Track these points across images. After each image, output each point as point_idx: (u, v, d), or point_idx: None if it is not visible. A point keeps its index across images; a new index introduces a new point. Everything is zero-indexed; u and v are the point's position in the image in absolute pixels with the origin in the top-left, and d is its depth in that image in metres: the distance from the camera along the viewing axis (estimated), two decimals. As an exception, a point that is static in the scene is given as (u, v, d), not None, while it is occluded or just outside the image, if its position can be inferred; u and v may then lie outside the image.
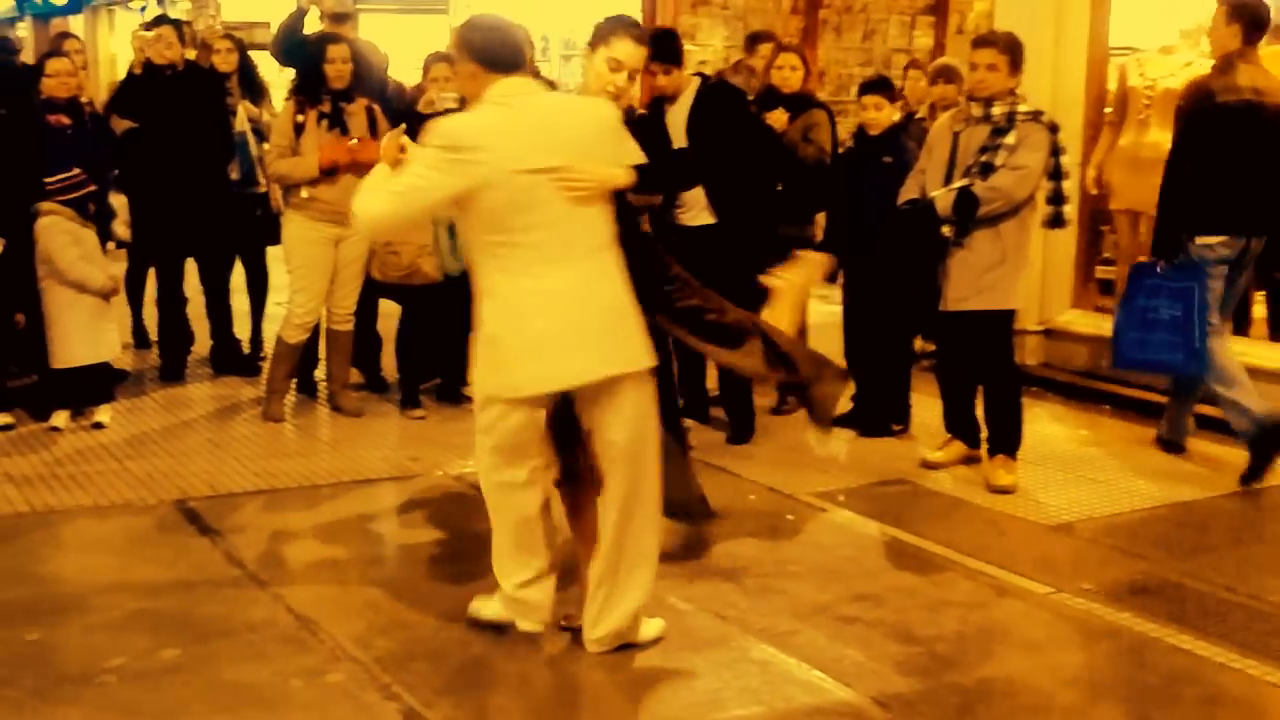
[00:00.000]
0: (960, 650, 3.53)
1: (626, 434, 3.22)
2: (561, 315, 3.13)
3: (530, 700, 3.22)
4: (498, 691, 3.25)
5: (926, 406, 5.66)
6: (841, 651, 3.48)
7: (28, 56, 8.45)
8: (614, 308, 3.21)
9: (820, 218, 5.89)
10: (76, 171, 5.42)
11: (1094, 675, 3.47)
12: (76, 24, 16.00)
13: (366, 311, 5.98)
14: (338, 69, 5.39)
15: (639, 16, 8.88)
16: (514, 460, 3.28)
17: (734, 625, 3.64)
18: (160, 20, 6.79)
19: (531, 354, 3.13)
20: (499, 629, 3.49)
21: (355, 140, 5.39)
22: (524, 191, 3.09)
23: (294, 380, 5.88)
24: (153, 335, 6.76)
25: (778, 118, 5.62)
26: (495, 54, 3.16)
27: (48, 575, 3.93)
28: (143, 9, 14.82)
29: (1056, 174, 4.84)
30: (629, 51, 3.50)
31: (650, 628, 3.47)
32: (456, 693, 3.23)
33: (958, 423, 5.17)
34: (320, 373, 6.04)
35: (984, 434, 5.07)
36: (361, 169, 5.31)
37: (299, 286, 5.59)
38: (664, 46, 5.14)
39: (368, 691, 3.22)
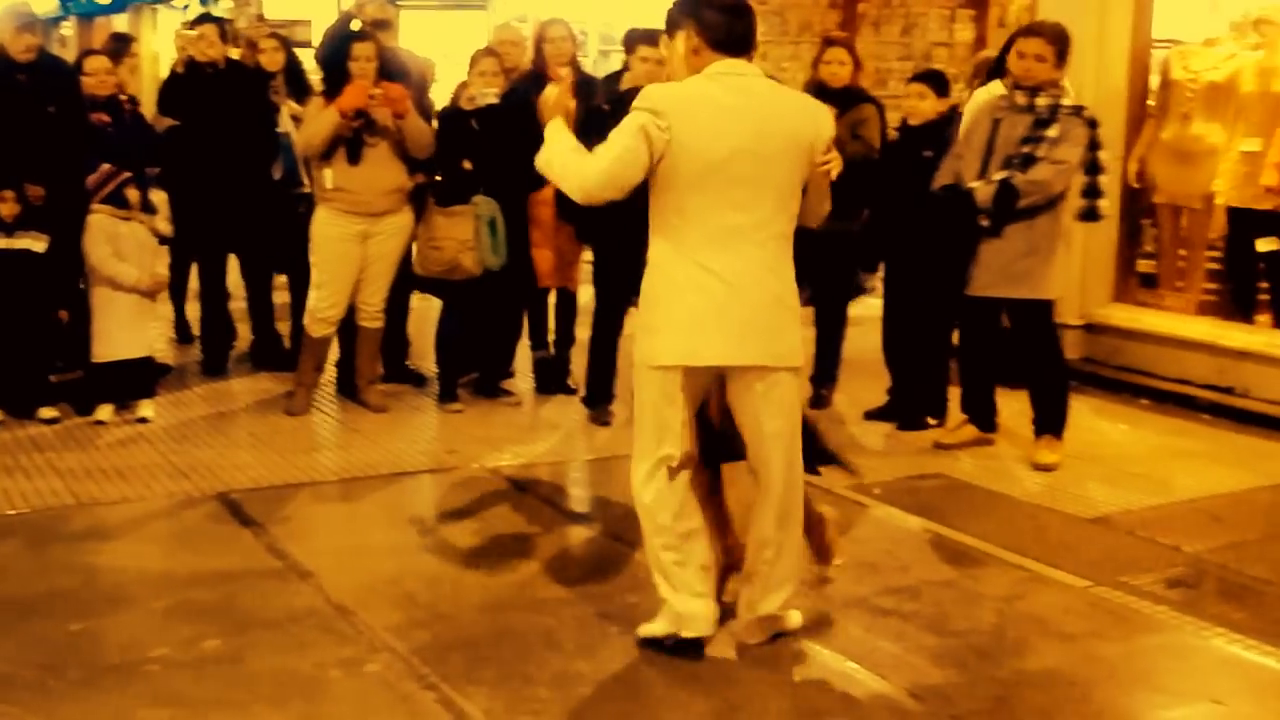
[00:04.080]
0: (996, 643, 3.52)
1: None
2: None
3: (566, 692, 3.24)
4: (535, 684, 3.27)
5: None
6: (876, 644, 3.48)
7: (71, 55, 8.54)
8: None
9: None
10: (106, 167, 5.49)
11: (1132, 669, 3.44)
12: (120, 23, 16.23)
13: (398, 307, 6.02)
14: (361, 66, 5.41)
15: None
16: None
17: (768, 617, 3.64)
18: (203, 19, 6.85)
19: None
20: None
21: (378, 90, 5.37)
22: None
23: (321, 374, 5.92)
24: (195, 330, 6.86)
25: None
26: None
27: (92, 566, 4.00)
28: (185, 7, 14.99)
29: (1093, 169, 4.88)
30: None
31: (796, 617, 3.52)
32: (493, 684, 3.26)
33: (973, 406, 5.26)
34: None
35: (997, 416, 5.15)
36: (379, 130, 5.33)
37: (323, 281, 5.63)
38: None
39: (405, 681, 3.25)
